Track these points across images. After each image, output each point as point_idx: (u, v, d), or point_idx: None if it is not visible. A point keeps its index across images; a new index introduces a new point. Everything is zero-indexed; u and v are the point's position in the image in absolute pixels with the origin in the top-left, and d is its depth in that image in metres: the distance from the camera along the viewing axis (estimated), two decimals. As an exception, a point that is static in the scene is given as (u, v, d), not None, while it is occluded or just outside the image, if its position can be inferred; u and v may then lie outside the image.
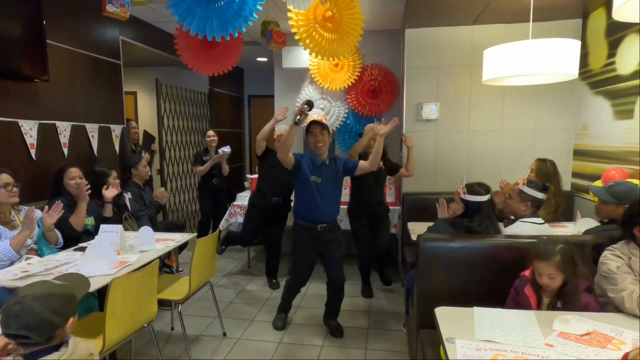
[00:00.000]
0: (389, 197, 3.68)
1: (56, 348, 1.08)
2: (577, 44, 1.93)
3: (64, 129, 2.82)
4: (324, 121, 2.51)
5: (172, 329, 2.67)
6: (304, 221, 2.47)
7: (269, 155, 3.16)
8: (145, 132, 4.48)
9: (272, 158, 3.15)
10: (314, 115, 2.51)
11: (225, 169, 3.98)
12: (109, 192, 2.62)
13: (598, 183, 2.35)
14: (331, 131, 4.18)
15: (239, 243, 3.65)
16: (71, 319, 1.11)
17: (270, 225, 3.33)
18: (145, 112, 5.71)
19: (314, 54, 2.64)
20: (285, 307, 2.74)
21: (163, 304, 2.52)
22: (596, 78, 2.90)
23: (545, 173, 2.56)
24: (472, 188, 1.99)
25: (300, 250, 2.53)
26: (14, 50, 2.33)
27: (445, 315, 1.38)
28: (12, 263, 1.95)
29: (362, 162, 2.48)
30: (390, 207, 3.57)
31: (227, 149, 3.81)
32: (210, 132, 3.98)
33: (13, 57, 2.33)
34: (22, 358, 1.03)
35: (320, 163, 2.43)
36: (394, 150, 4.14)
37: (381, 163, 2.99)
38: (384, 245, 3.16)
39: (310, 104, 2.25)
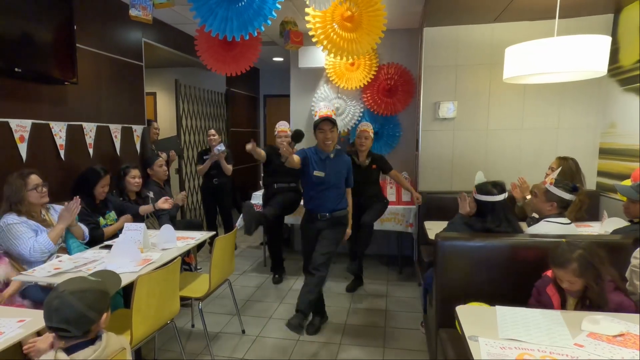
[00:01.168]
0: (405, 196, 3.66)
1: (92, 342, 1.13)
2: (607, 40, 1.87)
3: (89, 129, 2.92)
4: (333, 116, 2.54)
5: (193, 326, 2.72)
6: (309, 211, 2.58)
7: (272, 156, 3.33)
8: (174, 137, 4.30)
9: (276, 157, 3.24)
10: (323, 110, 2.53)
11: (227, 168, 3.92)
12: (164, 204, 2.73)
13: (627, 182, 2.28)
14: (346, 130, 4.21)
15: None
16: (105, 315, 1.16)
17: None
18: (164, 113, 5.84)
19: (332, 55, 2.65)
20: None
21: (182, 301, 2.58)
22: (627, 74, 2.80)
23: (568, 171, 2.51)
24: (484, 187, 1.94)
25: (303, 238, 2.63)
26: (47, 56, 2.43)
27: (467, 314, 1.37)
28: (50, 256, 2.05)
29: (349, 190, 2.67)
30: (406, 206, 3.57)
31: (221, 147, 3.78)
32: (211, 131, 3.96)
33: (46, 62, 2.43)
34: (63, 351, 1.09)
35: (325, 157, 2.50)
36: (409, 150, 4.11)
37: (367, 162, 3.16)
38: (364, 218, 3.08)
39: (296, 137, 2.40)
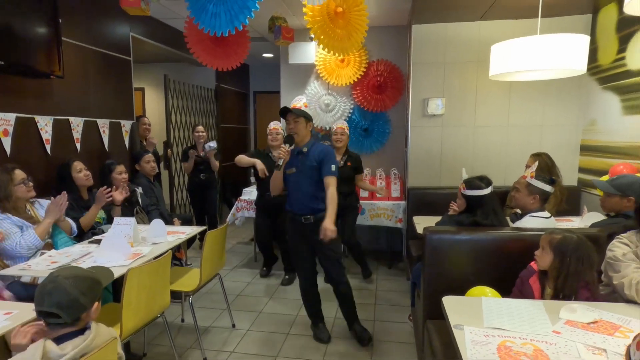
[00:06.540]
0: (394, 192, 3.71)
1: (81, 332, 1.13)
2: (586, 39, 1.93)
3: (76, 124, 2.88)
4: (304, 108, 2.30)
5: (183, 320, 2.73)
6: (290, 212, 2.38)
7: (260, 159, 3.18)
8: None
9: (264, 161, 3.15)
10: (294, 102, 2.40)
11: (215, 164, 3.88)
12: (118, 195, 2.61)
13: (605, 178, 2.36)
14: (327, 128, 4.20)
15: (266, 249, 3.54)
16: (96, 304, 1.16)
17: (276, 221, 3.36)
18: (153, 108, 5.77)
19: (326, 50, 2.68)
20: (311, 316, 2.53)
21: (173, 296, 2.57)
22: (605, 73, 2.89)
23: (544, 166, 2.60)
24: (472, 182, 1.99)
25: (290, 241, 2.46)
26: (32, 48, 2.39)
27: (453, 304, 1.41)
28: (35, 252, 2.02)
29: (327, 180, 2.26)
30: (395, 202, 3.62)
31: (212, 144, 3.75)
32: (199, 128, 3.93)
33: (31, 55, 2.39)
34: (52, 341, 1.08)
35: (298, 152, 2.30)
36: (398, 147, 4.16)
37: (342, 161, 3.22)
38: (347, 239, 3.28)
39: (289, 141, 2.22)
